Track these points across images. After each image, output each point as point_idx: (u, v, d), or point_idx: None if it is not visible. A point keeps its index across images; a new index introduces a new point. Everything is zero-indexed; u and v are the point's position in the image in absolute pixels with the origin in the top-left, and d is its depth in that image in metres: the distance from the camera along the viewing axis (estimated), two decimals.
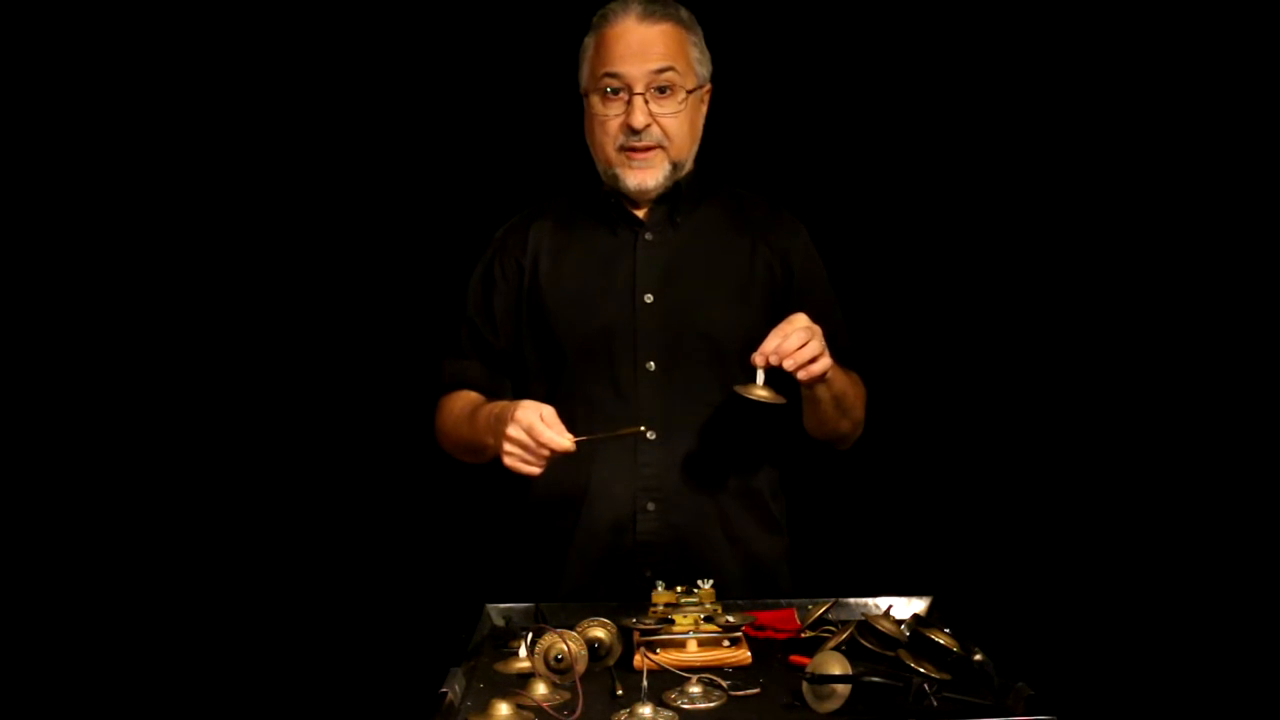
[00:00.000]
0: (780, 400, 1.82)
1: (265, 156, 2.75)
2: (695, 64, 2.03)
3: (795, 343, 1.77)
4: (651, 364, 2.02)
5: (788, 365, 1.77)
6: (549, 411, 1.81)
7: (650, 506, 2.01)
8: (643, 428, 1.95)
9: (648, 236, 2.07)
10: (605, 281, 2.05)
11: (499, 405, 1.92)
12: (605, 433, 1.90)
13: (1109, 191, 2.75)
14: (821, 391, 1.92)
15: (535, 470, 1.82)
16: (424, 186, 2.80)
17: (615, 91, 1.98)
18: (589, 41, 2.03)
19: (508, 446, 1.81)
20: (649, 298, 2.04)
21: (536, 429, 1.78)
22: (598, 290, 2.05)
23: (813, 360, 1.79)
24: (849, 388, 2.01)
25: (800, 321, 1.81)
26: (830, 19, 2.74)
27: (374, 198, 2.80)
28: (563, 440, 1.78)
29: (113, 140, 2.70)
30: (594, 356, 2.03)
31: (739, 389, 1.82)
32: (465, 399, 2.08)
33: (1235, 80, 2.66)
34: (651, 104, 1.98)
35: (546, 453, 1.79)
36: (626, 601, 1.80)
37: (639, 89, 1.96)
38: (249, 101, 2.73)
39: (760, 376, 1.79)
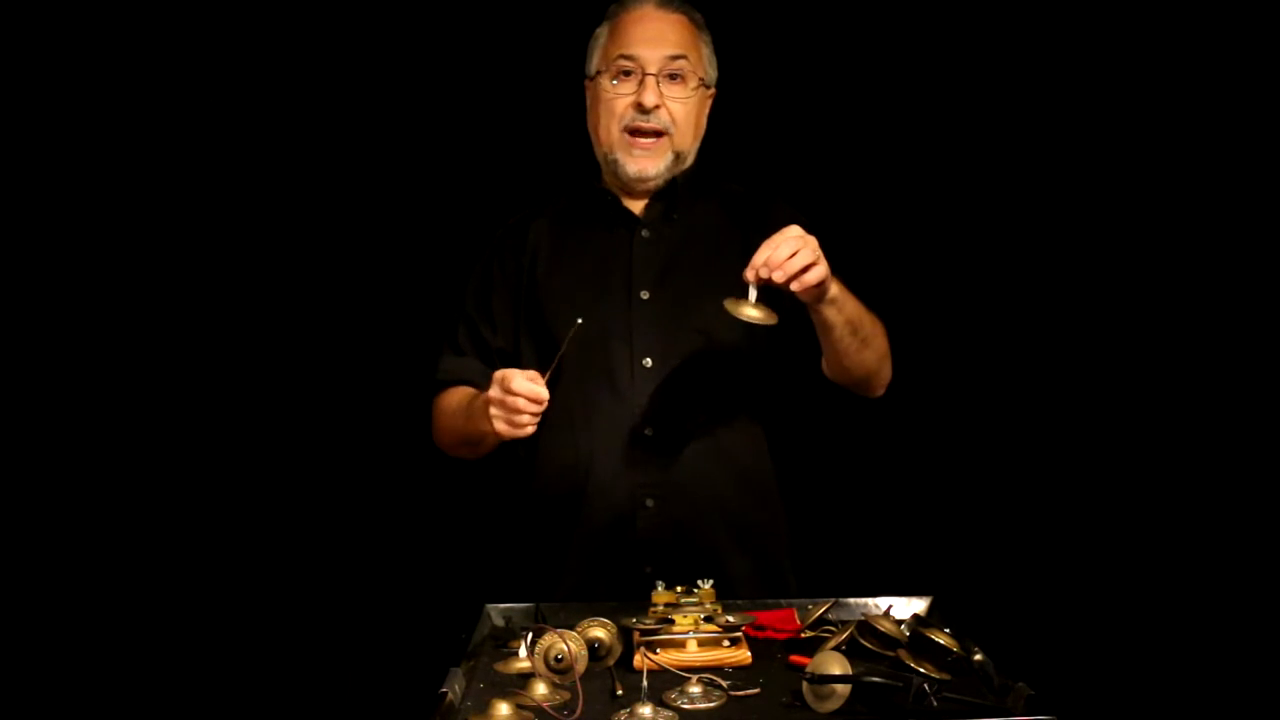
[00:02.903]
0: (773, 319, 1.70)
1: (265, 156, 2.75)
2: (705, 61, 2.07)
3: (786, 252, 1.69)
4: (648, 360, 2.02)
5: (778, 277, 1.68)
6: (528, 372, 1.79)
7: (649, 503, 2.01)
8: (579, 320, 1.86)
9: (644, 234, 2.08)
10: (601, 279, 2.06)
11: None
12: (560, 350, 1.84)
13: (1108, 191, 2.75)
14: (831, 315, 1.83)
15: (524, 429, 1.80)
16: (424, 187, 2.79)
17: (628, 73, 2.01)
18: (603, 30, 2.07)
19: (491, 410, 1.81)
20: (645, 295, 2.04)
21: (508, 379, 1.77)
22: (594, 288, 2.05)
23: (805, 269, 1.70)
24: (864, 313, 1.93)
25: (792, 231, 1.72)
26: (829, 19, 2.74)
27: (374, 199, 2.79)
28: (533, 386, 1.76)
29: (113, 140, 2.69)
30: (591, 354, 2.03)
31: (729, 304, 1.72)
32: (461, 393, 2.08)
33: (1235, 80, 2.66)
34: (663, 87, 2.00)
35: (523, 404, 1.77)
36: (627, 601, 1.80)
37: (652, 70, 1.99)
38: (249, 102, 2.73)
39: (752, 294, 1.68)
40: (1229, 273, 2.71)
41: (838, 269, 2.15)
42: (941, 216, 2.79)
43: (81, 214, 2.71)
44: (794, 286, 1.71)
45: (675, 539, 2.01)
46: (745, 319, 1.71)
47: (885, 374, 2.05)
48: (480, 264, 2.15)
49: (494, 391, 1.80)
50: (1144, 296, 2.75)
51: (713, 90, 2.10)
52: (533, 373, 1.80)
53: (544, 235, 2.12)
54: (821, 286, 1.75)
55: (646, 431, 2.01)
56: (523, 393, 1.77)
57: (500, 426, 1.81)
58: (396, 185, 2.80)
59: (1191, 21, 2.65)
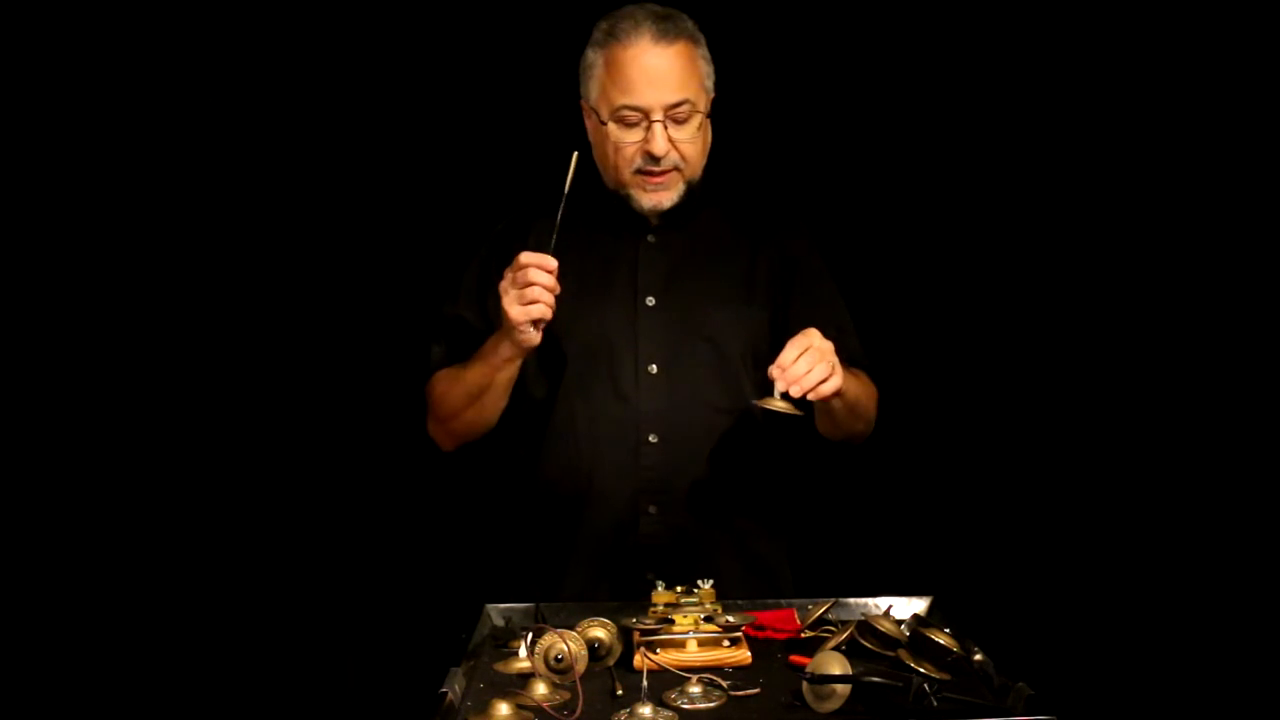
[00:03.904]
0: (798, 413, 1.81)
1: (264, 157, 2.74)
2: (704, 79, 2.00)
3: (803, 367, 1.76)
4: (653, 367, 2.02)
5: (794, 392, 1.76)
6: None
7: (652, 509, 2.01)
8: (576, 153, 1.89)
9: (650, 239, 2.07)
10: (606, 284, 2.05)
11: None
12: (563, 198, 1.87)
13: (1107, 194, 2.75)
14: (834, 402, 1.91)
15: (537, 304, 1.82)
16: (422, 186, 2.79)
17: (633, 123, 1.96)
18: (597, 58, 1.98)
19: (505, 301, 1.84)
20: (651, 300, 2.04)
21: (517, 258, 1.83)
22: (599, 293, 2.04)
23: (823, 382, 1.78)
24: (861, 393, 2.00)
25: (812, 340, 1.79)
26: (832, 20, 2.74)
27: (372, 198, 2.79)
28: (541, 255, 1.82)
29: (113, 140, 2.69)
30: (595, 359, 2.03)
31: (756, 402, 1.83)
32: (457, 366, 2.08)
33: (1235, 80, 2.66)
34: (669, 129, 1.95)
35: (534, 274, 1.81)
36: (627, 601, 1.79)
37: (657, 116, 1.94)
38: (248, 102, 2.73)
39: (777, 389, 1.79)
40: (1228, 273, 2.71)
41: (838, 269, 2.16)
42: (940, 215, 2.79)
43: (82, 216, 2.70)
44: (809, 397, 1.79)
45: (677, 545, 2.01)
46: (773, 410, 1.80)
47: (868, 433, 2.14)
48: (477, 261, 2.13)
49: (504, 283, 1.84)
50: (1142, 297, 2.75)
51: (712, 94, 2.06)
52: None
53: (544, 236, 2.09)
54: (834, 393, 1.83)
55: (650, 438, 2.01)
56: (531, 262, 1.81)
57: (514, 311, 1.83)
58: (395, 186, 2.80)
59: (1191, 22, 2.65)
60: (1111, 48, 2.70)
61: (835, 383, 1.79)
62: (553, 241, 1.85)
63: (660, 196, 2.00)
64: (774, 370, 1.78)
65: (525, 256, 1.82)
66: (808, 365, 1.76)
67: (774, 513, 2.13)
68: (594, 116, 2.01)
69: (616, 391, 2.02)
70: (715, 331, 2.03)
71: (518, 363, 1.95)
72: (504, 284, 1.85)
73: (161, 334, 2.75)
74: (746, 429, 2.07)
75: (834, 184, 2.75)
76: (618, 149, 1.98)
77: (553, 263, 1.83)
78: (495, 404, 2.03)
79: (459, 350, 2.09)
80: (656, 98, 1.93)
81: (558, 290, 1.85)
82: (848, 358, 2.03)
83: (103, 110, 2.68)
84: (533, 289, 1.81)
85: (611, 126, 1.97)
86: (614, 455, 2.01)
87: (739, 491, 2.06)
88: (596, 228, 2.08)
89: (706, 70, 2.01)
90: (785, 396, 1.80)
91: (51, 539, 2.71)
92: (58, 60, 2.66)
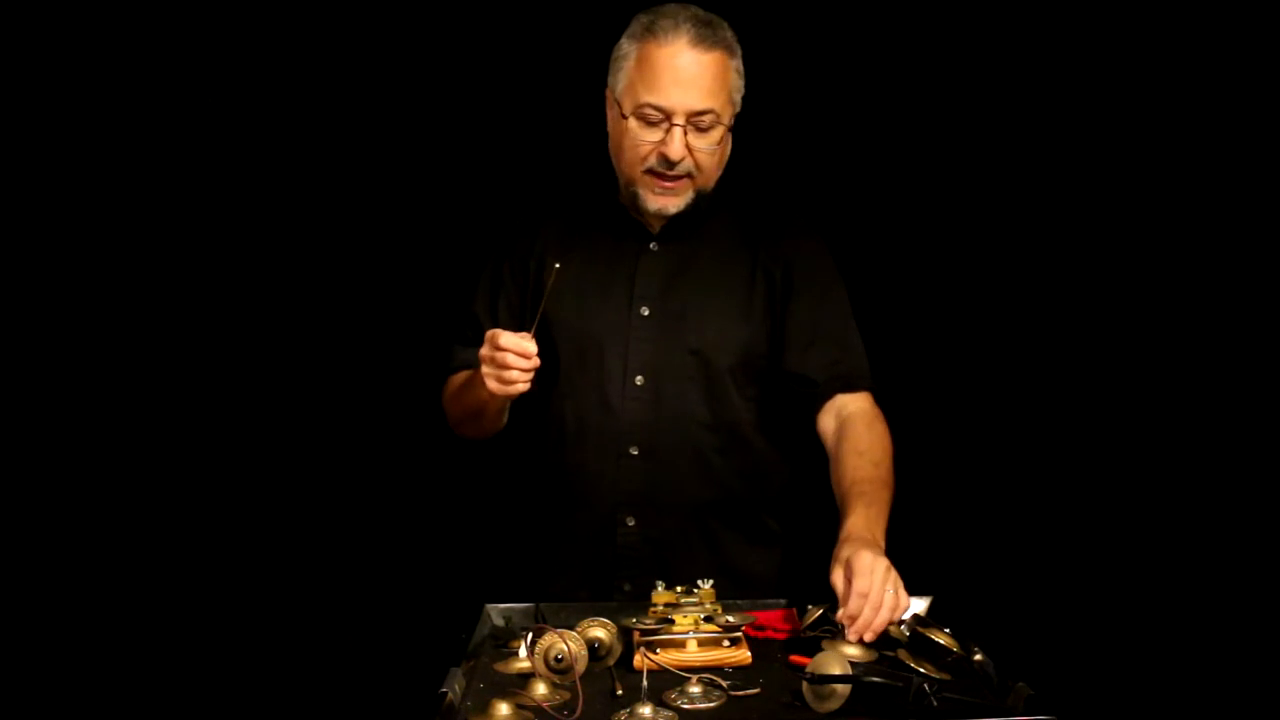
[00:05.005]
0: (873, 656, 1.67)
1: (269, 157, 2.75)
2: (733, 93, 1.96)
3: (869, 614, 1.63)
4: (640, 379, 2.01)
5: (868, 638, 1.64)
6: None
7: (630, 521, 2.01)
8: (557, 265, 1.89)
9: (652, 247, 2.06)
10: (605, 290, 2.04)
11: None
12: (542, 301, 1.88)
13: (1105, 203, 2.74)
14: None
15: (514, 386, 1.82)
16: (428, 185, 2.79)
17: (655, 122, 1.93)
18: (630, 50, 1.94)
19: (484, 370, 1.83)
20: (645, 310, 2.03)
21: (496, 335, 1.81)
22: (596, 299, 2.04)
23: (893, 613, 1.66)
24: (890, 494, 1.91)
25: (874, 580, 1.63)
26: (841, 27, 2.74)
27: (377, 197, 2.79)
28: (520, 341, 1.80)
29: (113, 140, 2.69)
30: (585, 366, 2.03)
31: (826, 643, 1.68)
32: (468, 372, 2.08)
33: (1235, 80, 2.66)
34: (690, 136, 1.92)
35: (511, 359, 1.79)
36: (623, 603, 1.80)
37: (679, 120, 1.91)
38: (252, 103, 2.73)
39: (849, 635, 1.67)
40: (1228, 273, 2.70)
41: (840, 270, 2.15)
42: (940, 215, 2.79)
43: (82, 216, 2.70)
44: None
45: (654, 558, 2.01)
46: (845, 656, 1.68)
47: None
48: (491, 262, 2.14)
49: (484, 350, 1.83)
50: (1142, 298, 2.75)
51: (739, 108, 2.01)
52: (522, 334, 1.82)
53: (553, 239, 2.10)
54: None
55: (632, 450, 2.00)
56: (510, 347, 1.79)
57: (492, 385, 1.83)
58: (400, 184, 2.80)
59: (1191, 21, 2.65)
60: (1113, 55, 2.70)
61: (904, 605, 1.68)
62: (534, 325, 1.84)
63: (666, 201, 1.97)
64: (844, 619, 1.65)
65: (505, 339, 1.79)
66: (873, 610, 1.64)
67: (764, 525, 2.11)
68: (617, 108, 1.98)
69: (603, 401, 2.01)
70: (704, 345, 2.01)
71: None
72: (484, 352, 1.83)
73: (169, 335, 2.75)
74: (733, 445, 2.05)
75: (843, 194, 2.74)
76: (634, 145, 1.95)
77: (533, 347, 1.81)
78: (493, 422, 2.05)
79: (474, 348, 2.10)
80: (682, 102, 1.90)
81: (538, 365, 1.83)
82: (850, 378, 2.01)
83: (108, 115, 2.68)
84: (510, 371, 1.81)
85: (632, 122, 1.93)
86: (596, 465, 2.01)
87: (723, 505, 2.05)
88: (602, 231, 2.07)
89: (737, 84, 1.96)
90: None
91: (52, 539, 2.71)
92: (59, 61, 2.66)
